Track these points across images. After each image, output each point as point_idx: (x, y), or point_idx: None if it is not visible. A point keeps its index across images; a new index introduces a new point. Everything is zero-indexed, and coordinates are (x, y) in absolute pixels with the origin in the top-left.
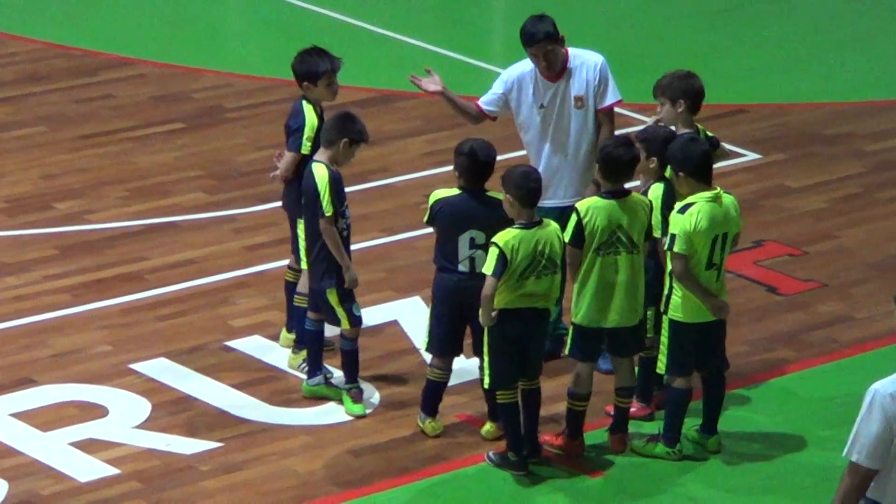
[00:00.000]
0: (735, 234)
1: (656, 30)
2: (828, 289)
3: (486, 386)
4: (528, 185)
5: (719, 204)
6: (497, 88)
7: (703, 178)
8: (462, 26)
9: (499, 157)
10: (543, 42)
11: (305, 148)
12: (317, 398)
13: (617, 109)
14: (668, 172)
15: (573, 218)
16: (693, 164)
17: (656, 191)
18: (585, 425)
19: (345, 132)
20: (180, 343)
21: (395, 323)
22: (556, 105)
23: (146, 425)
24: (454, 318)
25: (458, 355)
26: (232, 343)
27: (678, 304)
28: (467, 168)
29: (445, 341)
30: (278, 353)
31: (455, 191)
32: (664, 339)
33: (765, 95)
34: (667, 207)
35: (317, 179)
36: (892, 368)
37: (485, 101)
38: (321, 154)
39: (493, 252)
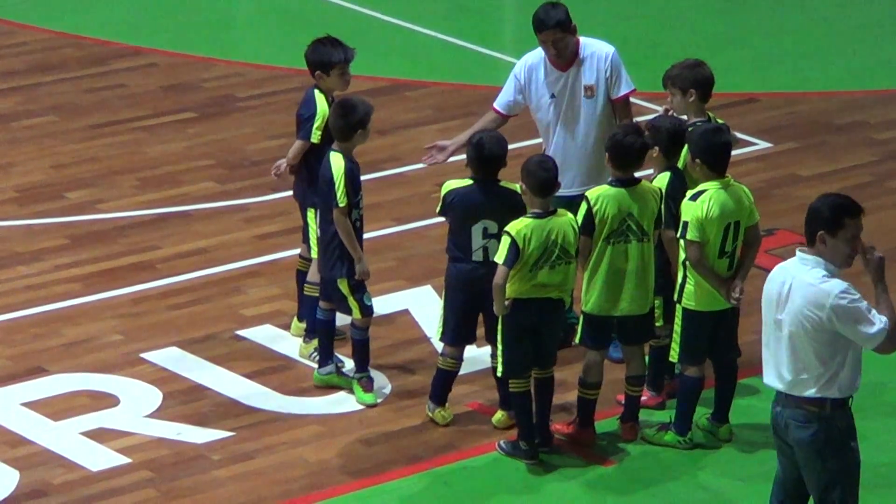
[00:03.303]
0: (753, 224)
1: (668, 19)
2: None
3: (499, 374)
4: (540, 174)
5: (731, 192)
6: (509, 87)
7: (718, 168)
8: (473, 15)
9: (513, 146)
10: (554, 29)
11: (315, 137)
12: (328, 387)
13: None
14: (680, 162)
15: (583, 206)
16: (712, 153)
17: (662, 180)
18: (596, 414)
19: (354, 123)
20: (191, 332)
21: (406, 312)
22: (566, 94)
23: (157, 414)
24: (468, 308)
25: (470, 344)
26: (243, 332)
27: (692, 292)
28: (473, 159)
29: (459, 330)
30: (289, 343)
31: (467, 181)
32: (677, 327)
33: (776, 84)
34: (671, 198)
35: (333, 169)
36: None
37: (500, 104)
38: (339, 144)
39: (504, 241)
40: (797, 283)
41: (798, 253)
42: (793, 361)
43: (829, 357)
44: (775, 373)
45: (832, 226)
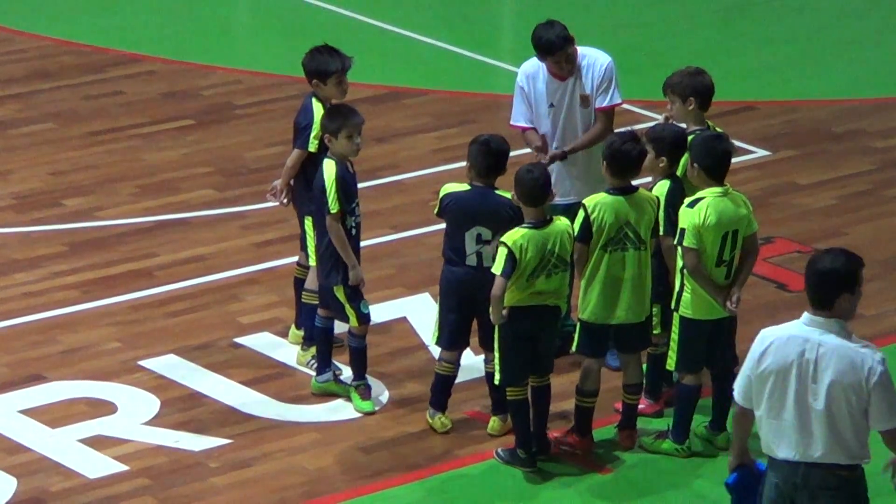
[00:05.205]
0: (751, 234)
1: (666, 27)
2: None
3: (496, 382)
4: (528, 183)
5: (729, 200)
6: (519, 101)
7: (717, 176)
8: (472, 23)
9: (512, 153)
10: (564, 47)
11: (312, 146)
12: (326, 395)
13: (628, 106)
14: (679, 171)
15: (580, 214)
16: (712, 160)
17: (661, 188)
18: (594, 422)
19: (325, 129)
20: (189, 340)
21: (404, 320)
22: (564, 103)
23: (155, 422)
24: (462, 311)
25: (465, 348)
26: (241, 340)
27: (689, 301)
28: (479, 153)
29: (454, 334)
30: (287, 350)
31: (465, 186)
32: (674, 335)
33: (774, 92)
34: (670, 206)
35: (325, 176)
36: None
37: (517, 121)
38: (330, 151)
39: (501, 252)
40: (828, 350)
41: (810, 317)
42: (829, 436)
43: (867, 429)
44: (793, 446)
45: (853, 283)
